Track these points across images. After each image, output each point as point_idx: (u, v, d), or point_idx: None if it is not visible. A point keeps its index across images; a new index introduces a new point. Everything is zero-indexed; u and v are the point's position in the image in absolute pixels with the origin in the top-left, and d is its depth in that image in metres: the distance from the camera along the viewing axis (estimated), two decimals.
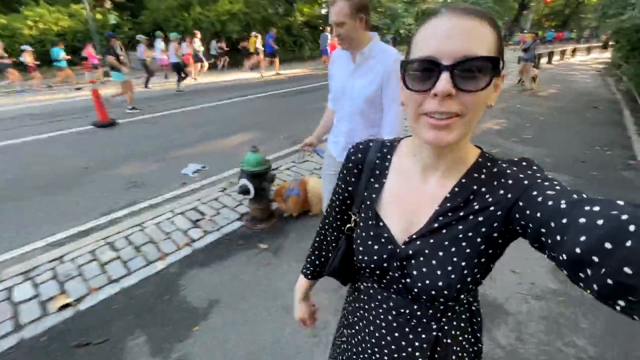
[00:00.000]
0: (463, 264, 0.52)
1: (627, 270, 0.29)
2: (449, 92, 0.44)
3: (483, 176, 0.54)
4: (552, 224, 0.39)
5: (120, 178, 3.84)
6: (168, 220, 2.88)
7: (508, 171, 0.52)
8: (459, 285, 0.53)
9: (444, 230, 0.54)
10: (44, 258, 2.41)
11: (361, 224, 0.64)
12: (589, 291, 0.34)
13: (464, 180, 0.54)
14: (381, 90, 1.46)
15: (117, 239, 2.62)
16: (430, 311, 0.59)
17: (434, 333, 0.60)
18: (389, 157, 0.64)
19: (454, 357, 0.62)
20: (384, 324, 0.63)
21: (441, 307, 0.59)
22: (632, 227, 0.30)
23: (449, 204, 0.54)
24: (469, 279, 0.53)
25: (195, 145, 4.92)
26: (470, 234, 0.52)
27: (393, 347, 0.62)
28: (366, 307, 0.67)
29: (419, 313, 0.60)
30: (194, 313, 1.94)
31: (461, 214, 0.53)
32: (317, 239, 0.82)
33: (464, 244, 0.52)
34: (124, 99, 6.88)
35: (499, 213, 0.50)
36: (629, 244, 0.30)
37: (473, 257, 0.52)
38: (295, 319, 0.89)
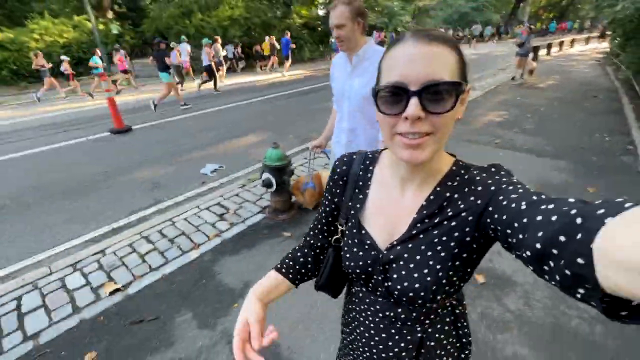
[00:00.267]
0: (438, 266, 0.55)
1: (579, 260, 0.31)
2: (419, 115, 0.48)
3: (456, 183, 0.57)
4: (515, 224, 0.41)
5: (141, 180, 4.06)
6: (195, 215, 3.10)
7: (478, 178, 0.55)
8: (434, 287, 0.56)
9: (421, 236, 0.57)
10: (87, 252, 2.64)
11: (347, 232, 0.68)
12: (553, 283, 0.36)
13: (438, 189, 0.58)
14: None
15: (151, 233, 2.85)
16: (414, 314, 0.63)
17: (419, 335, 0.64)
18: (371, 168, 0.68)
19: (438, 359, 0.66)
20: (372, 325, 0.68)
21: (423, 310, 0.62)
22: (578, 220, 0.32)
23: (425, 211, 0.57)
24: (444, 281, 0.56)
25: (208, 147, 5.15)
26: (444, 238, 0.55)
27: (381, 347, 0.67)
28: (357, 309, 0.71)
29: (402, 316, 0.63)
30: (230, 294, 2.15)
31: (436, 220, 0.56)
32: (302, 244, 0.81)
33: (439, 247, 0.56)
34: (170, 99, 7.67)
35: (470, 218, 0.53)
36: (579, 236, 0.31)
37: (447, 260, 0.55)
38: (238, 320, 0.63)
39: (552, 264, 0.35)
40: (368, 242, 0.63)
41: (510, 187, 0.48)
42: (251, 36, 15.98)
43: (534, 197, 0.42)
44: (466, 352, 0.72)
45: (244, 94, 9.56)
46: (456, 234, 0.54)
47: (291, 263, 0.76)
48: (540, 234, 0.36)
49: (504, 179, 0.52)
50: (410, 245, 0.58)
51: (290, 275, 0.74)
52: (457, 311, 0.69)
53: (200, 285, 2.23)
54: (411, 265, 0.57)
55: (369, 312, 0.67)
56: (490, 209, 0.49)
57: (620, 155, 4.03)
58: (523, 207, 0.42)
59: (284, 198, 2.93)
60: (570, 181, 3.43)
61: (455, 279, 0.56)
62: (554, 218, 0.35)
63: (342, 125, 1.84)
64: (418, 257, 0.57)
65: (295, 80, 11.82)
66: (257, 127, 6.12)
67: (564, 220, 0.34)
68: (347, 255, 0.66)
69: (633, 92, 7.08)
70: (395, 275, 0.59)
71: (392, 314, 0.64)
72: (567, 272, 0.32)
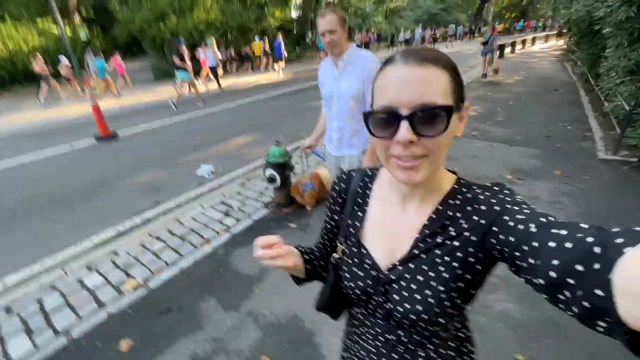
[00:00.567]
0: (441, 288, 0.53)
1: (598, 292, 0.29)
2: (410, 139, 0.47)
3: (458, 202, 0.55)
4: (525, 247, 0.40)
5: (138, 184, 4.11)
6: (201, 213, 3.23)
7: (481, 197, 0.53)
8: (436, 309, 0.54)
9: (423, 256, 0.56)
10: (99, 253, 2.72)
11: (347, 251, 0.66)
12: (570, 314, 0.34)
13: (440, 207, 0.56)
14: (364, 88, 1.81)
15: (160, 232, 2.96)
16: (416, 337, 0.60)
17: None
18: (370, 185, 0.66)
19: None
20: (373, 350, 0.65)
21: (426, 334, 0.60)
22: (596, 249, 0.31)
23: (427, 231, 0.56)
24: (447, 303, 0.54)
25: (200, 150, 5.23)
26: (447, 258, 0.54)
27: None
28: (358, 331, 0.70)
29: (404, 339, 0.61)
30: (249, 280, 2.32)
31: (438, 239, 0.55)
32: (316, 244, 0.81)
33: (441, 268, 0.54)
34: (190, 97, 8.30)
35: (473, 238, 0.51)
36: (597, 266, 0.30)
37: (450, 281, 0.53)
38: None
39: (568, 294, 0.33)
40: (368, 261, 0.62)
41: (516, 208, 0.47)
42: (228, 39, 15.95)
43: (542, 219, 0.41)
44: None
45: (229, 96, 9.60)
46: (459, 254, 0.53)
47: (311, 254, 0.76)
48: (554, 262, 0.35)
49: (508, 199, 0.51)
50: (412, 266, 0.57)
51: (306, 257, 0.73)
52: (461, 335, 0.66)
53: (218, 275, 2.39)
54: (413, 286, 0.56)
55: (369, 336, 0.66)
56: (495, 229, 0.47)
57: (581, 142, 4.52)
58: (532, 229, 0.41)
59: (287, 193, 3.12)
60: (540, 166, 3.84)
61: (458, 300, 0.55)
62: (568, 245, 0.34)
63: (333, 124, 2.04)
64: (420, 278, 0.55)
65: (277, 83, 11.95)
66: (246, 129, 6.24)
67: (580, 248, 0.33)
68: (347, 275, 0.64)
69: (588, 85, 7.79)
70: (396, 297, 0.57)
71: (393, 338, 0.62)
72: (586, 304, 0.31)
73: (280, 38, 13.92)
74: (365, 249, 0.63)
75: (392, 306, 0.58)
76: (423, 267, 0.55)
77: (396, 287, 0.58)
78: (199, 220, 3.11)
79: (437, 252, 0.55)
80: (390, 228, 0.61)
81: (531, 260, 0.39)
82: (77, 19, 18.34)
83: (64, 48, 13.91)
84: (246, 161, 4.63)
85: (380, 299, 0.60)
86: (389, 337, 0.62)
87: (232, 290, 2.23)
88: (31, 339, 1.96)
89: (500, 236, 0.46)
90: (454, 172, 0.61)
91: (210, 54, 10.38)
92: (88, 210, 3.54)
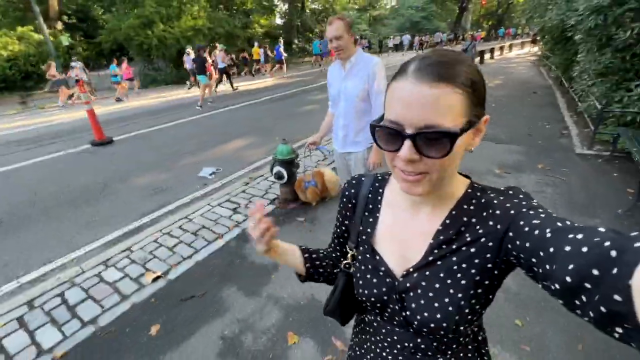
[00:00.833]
0: (459, 295, 0.53)
1: (617, 297, 0.29)
2: (411, 159, 0.47)
3: (472, 207, 0.54)
4: (541, 253, 0.39)
5: (141, 187, 4.17)
6: (209, 212, 3.34)
7: (495, 201, 0.52)
8: (456, 317, 0.53)
9: (439, 263, 0.55)
10: (114, 251, 2.79)
11: (359, 257, 0.65)
12: (586, 319, 0.34)
13: (454, 212, 0.55)
14: (368, 88, 2.00)
15: (172, 229, 3.05)
16: (435, 344, 0.59)
17: None
18: (380, 190, 0.65)
19: None
20: (390, 358, 0.64)
21: (445, 340, 0.59)
22: (613, 253, 0.30)
23: (442, 237, 0.55)
24: (466, 311, 0.53)
25: (198, 153, 5.32)
26: (464, 265, 0.53)
27: None
28: (372, 339, 0.68)
29: (422, 346, 0.60)
30: (265, 268, 2.46)
31: (454, 246, 0.54)
32: (327, 248, 0.82)
33: (459, 275, 0.53)
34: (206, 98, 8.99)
35: (490, 244, 0.50)
36: (614, 271, 0.30)
37: (469, 289, 0.52)
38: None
39: (584, 299, 0.33)
40: (382, 268, 0.61)
41: (532, 212, 0.47)
42: (215, 47, 16.03)
43: (559, 224, 0.41)
44: None
45: (222, 101, 9.68)
46: (477, 260, 0.52)
47: (314, 254, 0.78)
48: (570, 266, 0.34)
49: (524, 202, 0.50)
50: (427, 273, 0.56)
51: (306, 255, 0.77)
52: (480, 338, 0.66)
53: (235, 266, 2.52)
54: (430, 294, 0.55)
55: (386, 344, 0.64)
56: (511, 234, 0.47)
57: (559, 139, 4.89)
58: (548, 234, 0.40)
59: (293, 189, 3.27)
60: (524, 160, 4.14)
61: (477, 306, 0.54)
62: (584, 249, 0.34)
63: (339, 123, 2.22)
64: (437, 286, 0.54)
65: (267, 88, 12.11)
66: (242, 131, 6.36)
67: (597, 252, 0.32)
68: (360, 282, 0.63)
69: (563, 88, 8.33)
70: (413, 305, 0.56)
71: (411, 345, 0.60)
72: (603, 309, 0.30)
73: (280, 43, 15.02)
74: (379, 255, 0.62)
75: (409, 314, 0.57)
76: (440, 274, 0.55)
77: (412, 295, 0.57)
78: (208, 218, 3.22)
79: (454, 258, 0.54)
80: (402, 234, 0.60)
81: (547, 266, 0.38)
82: (59, 25, 18.01)
83: (48, 53, 13.71)
84: (246, 163, 4.76)
85: (397, 307, 0.59)
86: (407, 344, 0.61)
87: (249, 278, 2.36)
88: (59, 329, 2.03)
89: (517, 242, 0.45)
90: (467, 177, 0.59)
91: (219, 57, 11.25)
92: (95, 211, 3.58)
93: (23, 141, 6.57)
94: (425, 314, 0.55)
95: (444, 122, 0.45)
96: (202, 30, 15.63)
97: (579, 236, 0.36)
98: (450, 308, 0.53)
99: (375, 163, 2.14)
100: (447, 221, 0.55)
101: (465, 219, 0.54)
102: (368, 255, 0.63)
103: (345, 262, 0.70)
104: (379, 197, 0.65)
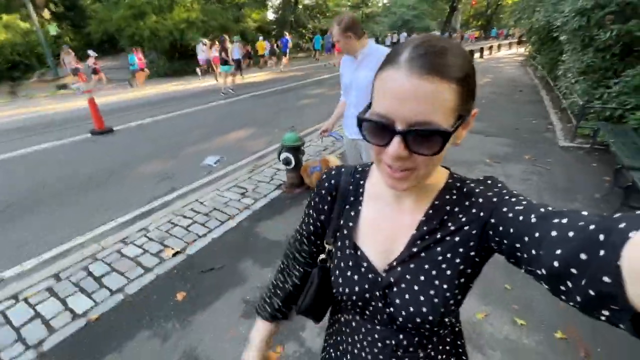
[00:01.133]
0: (445, 286, 0.52)
1: (606, 279, 0.29)
2: (400, 155, 0.45)
3: (454, 197, 0.54)
4: (526, 239, 0.40)
5: (147, 174, 4.28)
6: (219, 195, 3.50)
7: (477, 190, 0.53)
8: (443, 309, 0.52)
9: (423, 254, 0.54)
10: (130, 230, 2.93)
11: (338, 253, 0.62)
12: (571, 304, 0.34)
13: (436, 202, 0.55)
14: None
15: (184, 211, 3.20)
16: (416, 339, 0.59)
17: None
18: (362, 182, 0.63)
19: None
20: (369, 357, 0.62)
21: (427, 334, 0.59)
22: (601, 237, 0.31)
23: (425, 227, 0.54)
24: (451, 302, 0.53)
25: (200, 143, 5.44)
26: (449, 255, 0.52)
27: None
28: (349, 340, 0.66)
29: (405, 342, 0.59)
30: (278, 244, 2.65)
31: (438, 236, 0.53)
32: (280, 275, 0.77)
33: (443, 265, 0.53)
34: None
35: (474, 232, 0.51)
36: (602, 253, 0.30)
37: (454, 279, 0.52)
38: None
39: (570, 284, 0.33)
40: (364, 264, 0.59)
41: (513, 199, 0.47)
42: (210, 39, 15.95)
43: (542, 210, 0.41)
44: None
45: (217, 94, 9.75)
46: (461, 249, 0.52)
47: (271, 308, 0.76)
48: (558, 251, 0.34)
49: (504, 191, 0.51)
50: (412, 266, 0.55)
51: (279, 316, 0.76)
52: (457, 329, 0.66)
53: (249, 242, 2.70)
54: (416, 288, 0.54)
55: (365, 343, 0.62)
56: (493, 221, 0.47)
57: (544, 133, 5.21)
58: (533, 220, 0.40)
59: (299, 173, 3.46)
60: (512, 152, 4.43)
61: (460, 296, 0.54)
62: (571, 234, 0.34)
63: (350, 111, 2.41)
64: (422, 278, 0.54)
65: (262, 82, 12.19)
66: (242, 123, 6.50)
67: (583, 236, 0.32)
68: (340, 280, 0.60)
69: (548, 86, 8.74)
70: (397, 300, 0.55)
71: (393, 342, 0.59)
72: (591, 292, 0.31)
73: (287, 37, 15.69)
74: (361, 251, 0.60)
75: (393, 310, 0.56)
76: (425, 266, 0.54)
77: (396, 289, 0.55)
78: (218, 201, 3.38)
79: (438, 249, 0.53)
80: (386, 228, 0.58)
81: (533, 251, 0.38)
82: (46, 14, 17.56)
83: (38, 43, 13.41)
84: (248, 152, 4.91)
85: (380, 304, 0.57)
86: (388, 342, 0.60)
87: (264, 253, 2.55)
88: (89, 297, 2.18)
89: (500, 228, 0.45)
90: (447, 168, 0.59)
91: (236, 49, 11.79)
92: (105, 195, 3.69)
93: (20, 129, 6.54)
94: (411, 309, 0.54)
95: (437, 119, 0.43)
96: (196, 22, 15.52)
97: (564, 221, 0.37)
98: (436, 300, 0.52)
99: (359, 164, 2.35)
100: (430, 211, 0.55)
101: (448, 207, 0.54)
102: (348, 252, 0.61)
103: (321, 257, 0.67)
104: (361, 190, 0.63)
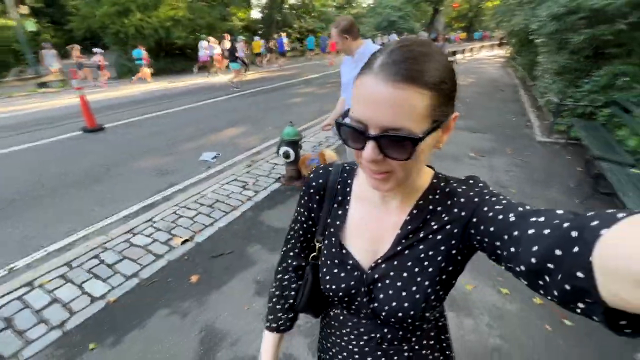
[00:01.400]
0: (426, 283, 0.54)
1: (579, 274, 0.30)
2: (374, 159, 0.46)
3: (437, 196, 0.56)
4: (505, 237, 0.41)
5: (145, 170, 4.34)
6: (220, 188, 3.62)
7: (459, 190, 0.54)
8: (424, 305, 0.54)
9: (407, 252, 0.56)
10: (137, 221, 3.02)
11: (325, 251, 0.64)
12: (549, 297, 0.35)
13: (420, 202, 0.57)
14: None
15: (187, 203, 3.31)
16: (400, 333, 0.61)
17: (405, 354, 0.63)
18: (349, 182, 0.65)
19: None
20: (356, 350, 0.65)
21: (410, 328, 0.61)
22: (574, 233, 0.32)
23: (409, 226, 0.56)
24: (432, 297, 0.55)
25: (194, 140, 5.51)
26: (431, 252, 0.54)
27: None
28: (337, 333, 0.68)
29: (389, 336, 0.61)
30: (282, 230, 2.80)
31: (421, 234, 0.55)
32: (277, 283, 0.77)
33: (426, 263, 0.55)
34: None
35: (455, 230, 0.53)
36: (575, 249, 0.31)
37: (435, 276, 0.54)
38: None
39: (547, 279, 0.35)
40: (350, 262, 0.61)
41: (494, 199, 0.49)
42: (197, 38, 15.85)
43: (520, 209, 0.43)
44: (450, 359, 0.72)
45: (210, 92, 9.75)
46: (442, 247, 0.54)
47: (279, 318, 0.75)
48: (534, 248, 0.36)
49: (485, 191, 0.52)
50: (395, 263, 0.57)
51: (287, 325, 0.75)
52: (440, 324, 0.69)
53: (255, 229, 2.85)
54: (398, 284, 0.56)
55: (352, 336, 0.65)
56: (475, 220, 0.49)
57: (523, 129, 5.57)
58: (512, 218, 0.42)
59: (298, 167, 3.63)
60: (495, 146, 4.74)
61: (441, 292, 0.56)
62: (546, 232, 0.36)
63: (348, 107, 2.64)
64: (405, 274, 0.56)
65: (251, 80, 12.24)
66: (235, 121, 6.59)
67: (558, 234, 0.34)
68: (327, 278, 0.63)
69: (527, 86, 9.22)
70: (381, 296, 0.58)
71: (378, 336, 0.62)
72: (567, 286, 0.32)
73: (283, 36, 16.34)
74: (346, 250, 0.62)
75: (377, 305, 0.58)
76: (408, 263, 0.56)
77: (380, 285, 0.58)
78: (220, 194, 3.50)
79: (421, 247, 0.55)
80: (372, 228, 0.60)
81: (512, 249, 0.40)
82: (24, 9, 16.97)
83: (15, 39, 12.98)
84: (243, 149, 5.03)
85: (364, 300, 0.60)
86: (373, 335, 0.62)
87: (270, 239, 2.71)
88: (104, 281, 2.28)
89: (481, 227, 0.47)
90: (432, 168, 0.61)
91: (240, 47, 12.57)
92: (105, 190, 3.75)
93: (5, 128, 6.41)
94: (394, 304, 0.56)
95: (407, 125, 0.44)
96: (182, 20, 15.38)
97: (541, 219, 0.38)
98: (417, 296, 0.55)
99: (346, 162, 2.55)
100: (414, 211, 0.57)
101: (431, 207, 0.56)
102: (335, 250, 0.63)
103: (313, 254, 0.69)
104: (348, 189, 0.64)
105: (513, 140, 4.98)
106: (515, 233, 0.40)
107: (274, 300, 0.77)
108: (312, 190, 0.67)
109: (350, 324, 0.65)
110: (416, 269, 0.55)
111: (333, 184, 0.65)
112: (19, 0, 16.97)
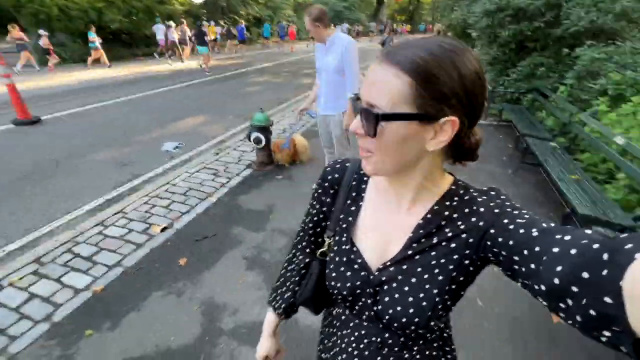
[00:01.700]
0: (435, 291, 0.53)
1: (607, 299, 0.28)
2: (355, 130, 0.49)
3: (455, 203, 0.54)
4: (525, 252, 0.40)
5: (102, 161, 4.09)
6: (190, 177, 3.59)
7: (479, 199, 0.52)
8: (429, 313, 0.53)
9: (417, 257, 0.55)
10: (107, 213, 2.92)
11: (335, 248, 0.64)
12: (570, 323, 0.33)
13: (436, 207, 0.55)
14: (343, 62, 2.56)
15: (159, 192, 3.26)
16: (402, 339, 0.60)
17: None
18: (365, 179, 0.64)
19: None
20: (356, 352, 0.63)
21: (413, 335, 0.59)
22: (605, 256, 0.30)
23: (421, 231, 0.55)
24: (439, 306, 0.53)
25: (152, 130, 5.26)
26: (442, 260, 0.53)
27: None
28: (339, 333, 0.68)
29: (390, 341, 0.60)
30: (262, 212, 2.94)
31: (434, 240, 0.54)
32: (288, 267, 0.79)
33: (436, 270, 0.53)
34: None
35: (470, 240, 0.50)
36: (605, 272, 0.29)
37: (444, 284, 0.52)
38: (257, 356, 0.78)
39: (570, 302, 0.33)
40: (358, 261, 0.60)
41: (515, 212, 0.47)
42: (133, 22, 14.55)
43: (544, 225, 0.41)
44: None
45: (162, 81, 9.15)
46: (455, 256, 0.52)
47: (282, 303, 0.77)
48: (559, 268, 0.34)
49: (507, 203, 0.50)
50: (405, 267, 0.55)
51: (288, 311, 0.77)
52: (445, 335, 0.67)
53: (234, 213, 2.93)
54: (406, 289, 0.55)
55: (352, 338, 0.64)
56: (493, 231, 0.47)
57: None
58: (534, 233, 0.40)
59: (269, 152, 3.74)
60: None
61: (449, 302, 0.54)
62: (573, 251, 0.34)
63: (321, 90, 2.81)
64: (414, 280, 0.54)
65: (213, 67, 11.71)
66: (194, 110, 6.38)
67: (587, 255, 0.32)
68: (333, 275, 0.62)
69: None
70: (386, 299, 0.56)
71: (379, 340, 0.61)
72: (592, 312, 0.30)
73: (243, 24, 16.26)
74: (356, 248, 0.61)
75: (381, 308, 0.57)
76: (417, 269, 0.54)
77: (386, 288, 0.57)
78: (192, 182, 3.49)
79: (433, 253, 0.54)
80: (383, 227, 0.59)
81: (532, 265, 0.38)
82: None
83: None
84: (207, 137, 4.95)
85: (369, 301, 0.59)
86: (374, 339, 0.61)
87: (251, 220, 2.83)
88: (85, 273, 2.23)
89: (499, 239, 0.45)
90: (452, 174, 0.59)
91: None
92: (59, 184, 3.48)
93: None
94: (398, 309, 0.55)
95: (382, 103, 0.45)
96: (116, 2, 13.97)
97: (567, 237, 0.36)
98: (424, 303, 0.53)
99: (347, 124, 2.77)
100: (429, 216, 0.55)
101: (447, 213, 0.54)
102: (344, 247, 0.62)
103: (321, 250, 0.68)
104: (363, 186, 0.63)
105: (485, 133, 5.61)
106: (537, 249, 0.38)
107: (277, 284, 0.80)
108: (327, 184, 0.67)
109: (352, 324, 0.65)
110: (426, 276, 0.54)
111: (349, 179, 0.64)
112: None
